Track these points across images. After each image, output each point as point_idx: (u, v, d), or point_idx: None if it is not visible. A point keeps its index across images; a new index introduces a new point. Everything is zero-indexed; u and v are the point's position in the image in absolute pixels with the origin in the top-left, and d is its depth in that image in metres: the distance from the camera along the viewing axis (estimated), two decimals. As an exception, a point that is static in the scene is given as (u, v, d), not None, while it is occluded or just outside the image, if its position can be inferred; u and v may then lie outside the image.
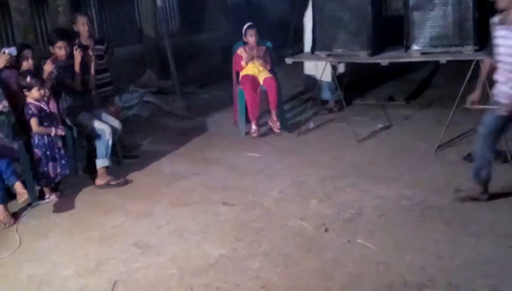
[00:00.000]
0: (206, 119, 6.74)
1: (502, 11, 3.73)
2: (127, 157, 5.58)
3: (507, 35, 3.73)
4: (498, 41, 3.78)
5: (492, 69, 3.93)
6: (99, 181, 4.95)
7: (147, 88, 7.57)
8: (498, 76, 3.87)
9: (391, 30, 5.86)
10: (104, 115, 5.16)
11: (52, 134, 4.58)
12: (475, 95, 4.02)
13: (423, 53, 5.26)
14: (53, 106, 4.69)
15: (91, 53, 5.20)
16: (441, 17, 5.10)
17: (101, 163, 4.96)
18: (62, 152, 4.66)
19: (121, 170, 5.29)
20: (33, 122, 4.51)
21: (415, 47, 5.28)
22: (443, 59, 5.17)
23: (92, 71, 5.19)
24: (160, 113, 7.19)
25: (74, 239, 3.99)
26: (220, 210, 4.30)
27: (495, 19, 3.77)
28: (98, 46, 5.59)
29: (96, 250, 3.79)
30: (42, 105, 4.58)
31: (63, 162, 4.66)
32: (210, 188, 4.76)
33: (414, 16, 5.23)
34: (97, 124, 4.96)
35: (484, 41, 4.99)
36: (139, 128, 6.58)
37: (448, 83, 6.66)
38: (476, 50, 5.00)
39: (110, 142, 4.98)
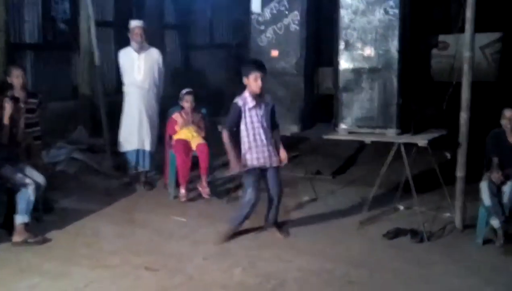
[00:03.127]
0: (135, 180, 6.67)
1: None
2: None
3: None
4: None
5: None
6: (17, 238, 4.74)
7: (77, 145, 7.44)
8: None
9: (321, 108, 6.15)
10: (29, 170, 5.01)
11: None
12: None
13: (350, 132, 5.53)
14: (-25, 157, 4.54)
15: (22, 105, 5.12)
16: (368, 100, 5.41)
17: (20, 218, 4.78)
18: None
19: (40, 227, 5.09)
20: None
21: (342, 126, 5.55)
22: (367, 139, 5.44)
23: (21, 124, 5.09)
24: (87, 171, 7.05)
25: (-18, 299, 3.77)
26: (141, 274, 4.21)
27: None
28: (31, 100, 5.53)
29: (5, 311, 3.60)
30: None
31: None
32: (133, 251, 4.67)
33: (343, 97, 5.53)
34: (20, 179, 4.81)
35: (405, 125, 5.34)
36: (64, 185, 6.40)
37: (372, 162, 6.96)
38: (398, 134, 5.32)
39: (32, 198, 4.83)
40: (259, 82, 4.75)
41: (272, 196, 4.95)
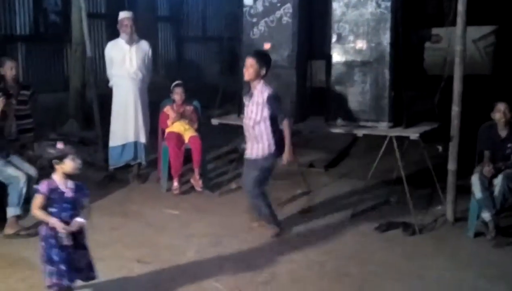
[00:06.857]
0: (128, 173, 6.65)
1: None
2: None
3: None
4: None
5: None
6: (9, 230, 4.74)
7: (68, 138, 7.41)
8: None
9: (314, 101, 6.15)
10: (20, 162, 4.99)
11: None
12: None
13: (342, 125, 5.54)
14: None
15: (13, 101, 5.11)
16: (360, 93, 5.42)
17: (12, 211, 4.77)
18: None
19: (33, 219, 5.07)
20: None
21: (335, 119, 5.56)
22: (359, 132, 5.45)
23: (11, 118, 5.07)
24: (80, 164, 7.01)
25: (-27, 292, 3.76)
26: (134, 267, 4.21)
27: None
28: (24, 92, 5.52)
29: (-3, 305, 3.59)
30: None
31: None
32: (126, 244, 4.67)
33: (335, 90, 5.53)
34: (12, 171, 4.79)
35: (398, 118, 5.35)
36: (56, 178, 6.37)
37: (364, 155, 6.98)
38: (390, 127, 5.33)
39: (24, 190, 4.81)
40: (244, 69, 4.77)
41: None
